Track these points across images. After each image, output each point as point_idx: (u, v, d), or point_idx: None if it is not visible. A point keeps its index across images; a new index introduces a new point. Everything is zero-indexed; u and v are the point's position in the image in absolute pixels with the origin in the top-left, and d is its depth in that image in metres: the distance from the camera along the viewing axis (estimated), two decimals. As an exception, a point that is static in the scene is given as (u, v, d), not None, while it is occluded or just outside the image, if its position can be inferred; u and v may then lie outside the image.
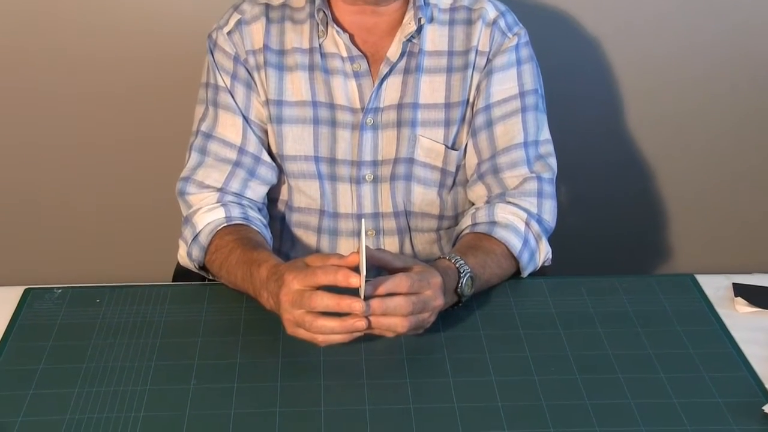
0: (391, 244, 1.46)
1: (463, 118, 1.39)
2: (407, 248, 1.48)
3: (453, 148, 1.40)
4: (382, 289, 1.07)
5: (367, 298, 1.06)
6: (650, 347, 1.16)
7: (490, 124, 1.37)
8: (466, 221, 1.36)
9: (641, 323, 1.21)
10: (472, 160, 1.41)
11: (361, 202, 1.42)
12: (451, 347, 1.16)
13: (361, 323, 1.06)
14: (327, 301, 1.05)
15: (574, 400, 1.07)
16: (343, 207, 1.43)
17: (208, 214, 1.32)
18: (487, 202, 1.37)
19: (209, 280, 1.34)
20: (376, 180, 1.41)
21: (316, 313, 1.06)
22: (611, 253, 2.16)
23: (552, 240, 1.37)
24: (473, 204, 1.43)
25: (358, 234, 1.44)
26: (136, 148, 2.01)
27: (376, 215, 1.44)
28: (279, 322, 1.16)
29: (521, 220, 1.33)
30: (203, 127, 1.38)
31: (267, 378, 1.10)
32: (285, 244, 1.49)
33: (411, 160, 1.40)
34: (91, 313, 1.22)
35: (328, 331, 1.06)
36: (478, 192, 1.40)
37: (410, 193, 1.42)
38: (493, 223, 1.32)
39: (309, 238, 1.47)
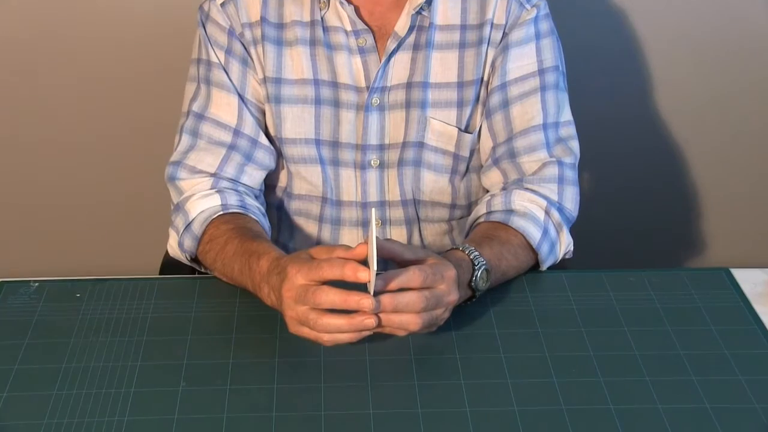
0: (398, 235, 1.46)
1: (477, 99, 1.38)
2: (416, 240, 1.48)
3: (466, 131, 1.39)
4: (394, 284, 1.06)
5: (376, 294, 1.05)
6: (681, 347, 1.16)
7: (506, 104, 1.37)
8: (480, 209, 1.35)
9: (671, 321, 1.20)
10: (486, 143, 1.40)
11: (365, 190, 1.42)
12: (462, 347, 1.15)
13: (371, 321, 1.05)
14: (333, 297, 1.05)
15: (597, 404, 1.06)
16: (346, 194, 1.43)
17: (201, 201, 1.31)
18: (504, 189, 1.36)
19: (200, 272, 1.34)
20: (382, 165, 1.41)
21: (321, 310, 1.06)
22: (638, 244, 2.16)
23: (574, 230, 1.37)
24: (488, 191, 1.43)
25: (363, 224, 1.44)
26: (119, 131, 2.02)
27: (382, 204, 1.43)
28: (275, 319, 1.16)
29: (540, 208, 1.32)
30: (195, 107, 1.38)
31: (262, 380, 1.09)
32: (283, 235, 1.49)
33: (421, 144, 1.39)
34: (71, 309, 1.22)
35: (334, 330, 1.06)
36: (493, 178, 1.39)
37: (419, 180, 1.42)
38: (510, 211, 1.31)
39: (309, 227, 1.46)
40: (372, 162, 1.41)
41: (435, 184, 1.43)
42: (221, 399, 1.06)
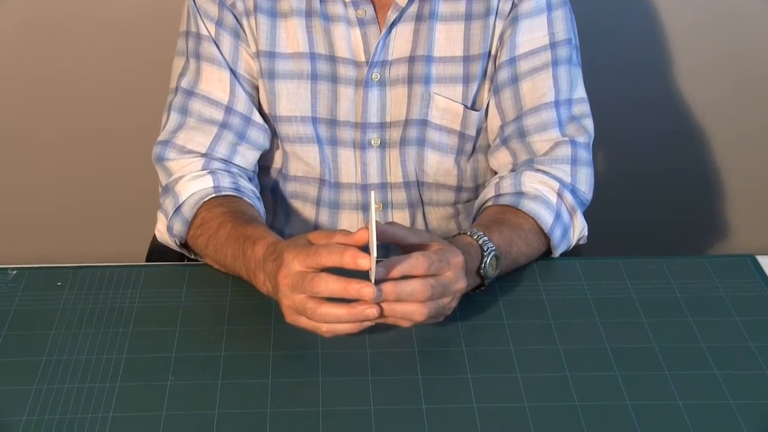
0: (401, 219, 1.46)
1: (484, 74, 1.38)
2: (420, 224, 1.48)
3: (473, 108, 1.39)
4: (397, 271, 1.06)
5: (378, 282, 1.05)
6: (703, 340, 1.16)
7: (515, 79, 1.36)
8: (488, 192, 1.35)
9: (692, 312, 1.20)
10: (494, 122, 1.40)
11: (366, 171, 1.42)
12: (470, 339, 1.15)
13: (372, 311, 1.05)
14: (332, 285, 1.04)
15: (612, 400, 1.07)
16: (345, 176, 1.43)
17: (193, 183, 1.31)
18: (513, 170, 1.36)
19: (190, 259, 1.34)
20: (383, 145, 1.41)
21: (319, 299, 1.06)
22: (657, 229, 2.16)
23: (588, 214, 1.37)
24: (496, 173, 1.42)
25: (363, 207, 1.44)
26: (101, 108, 2.01)
27: (383, 186, 1.43)
28: (270, 308, 1.16)
29: (552, 190, 1.32)
30: (184, 83, 1.38)
31: (256, 374, 1.09)
32: (279, 219, 1.49)
33: (424, 122, 1.39)
34: (52, 298, 1.22)
35: (333, 320, 1.05)
36: (501, 159, 1.39)
37: (423, 160, 1.41)
38: (520, 194, 1.31)
39: (306, 211, 1.47)
40: (372, 141, 1.41)
41: (440, 165, 1.43)
42: (212, 394, 1.06)
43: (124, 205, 2.09)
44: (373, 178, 1.43)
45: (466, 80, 1.38)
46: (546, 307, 1.21)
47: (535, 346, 1.14)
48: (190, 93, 1.37)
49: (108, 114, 2.02)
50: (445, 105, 1.39)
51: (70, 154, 2.06)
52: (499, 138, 1.40)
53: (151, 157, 1.38)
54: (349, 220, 1.45)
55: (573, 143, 1.36)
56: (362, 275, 1.05)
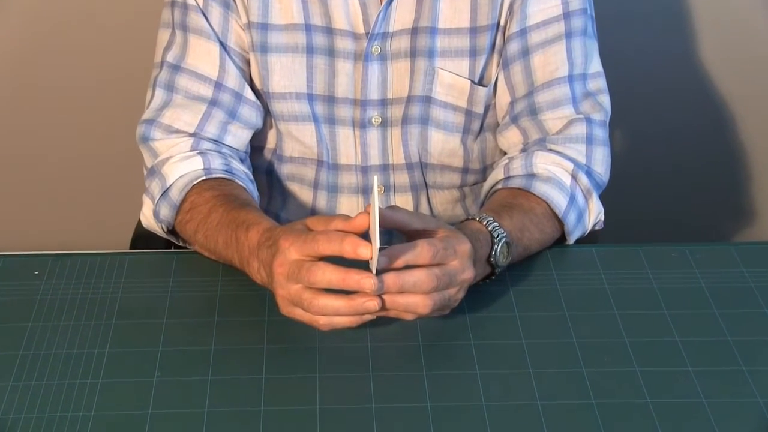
0: (403, 203, 1.47)
1: (492, 47, 1.38)
2: (424, 209, 1.49)
3: (481, 83, 1.39)
4: (400, 261, 1.05)
5: (380, 272, 1.05)
6: (729, 333, 1.16)
7: (525, 53, 1.36)
8: (498, 174, 1.35)
9: (718, 303, 1.20)
10: (503, 98, 1.40)
11: (366, 151, 1.42)
12: (478, 332, 1.15)
13: (373, 304, 1.05)
14: (330, 275, 1.04)
15: (632, 398, 1.07)
16: (344, 157, 1.43)
17: (181, 164, 1.31)
18: (524, 150, 1.36)
19: (178, 246, 1.34)
20: (384, 124, 1.41)
21: (316, 290, 1.06)
22: (680, 214, 2.16)
23: (605, 198, 1.36)
24: (505, 154, 1.42)
25: (363, 190, 1.44)
26: (82, 83, 2.01)
27: (384, 167, 1.43)
28: (264, 299, 1.17)
29: (566, 172, 1.32)
30: (169, 57, 1.37)
31: (249, 369, 1.10)
32: (274, 203, 1.49)
33: (428, 99, 1.39)
34: (29, 288, 1.22)
35: (331, 312, 1.05)
36: (511, 138, 1.39)
37: (427, 140, 1.41)
38: (532, 175, 1.31)
39: (303, 194, 1.47)
40: (373, 120, 1.40)
41: (445, 144, 1.43)
42: (202, 391, 1.07)
43: (107, 188, 2.09)
44: (374, 159, 1.43)
45: (473, 53, 1.38)
46: (560, 298, 1.21)
47: (548, 340, 1.14)
48: (176, 68, 1.37)
49: (87, 91, 2.02)
50: (451, 80, 1.38)
51: (48, 135, 2.06)
52: (508, 116, 1.39)
53: (135, 136, 1.37)
54: (348, 204, 1.45)
55: (588, 121, 1.35)
56: (363, 265, 1.05)
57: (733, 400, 1.06)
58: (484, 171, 1.48)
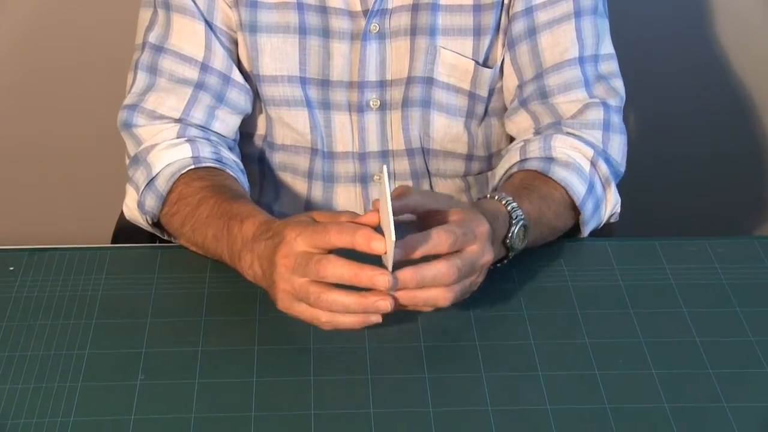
0: None
1: (497, 26, 1.37)
2: None
3: (486, 64, 1.38)
4: (417, 253, 1.05)
5: (395, 266, 1.04)
6: (752, 333, 1.16)
7: (532, 32, 1.37)
8: (513, 156, 1.35)
9: (740, 301, 1.20)
10: (510, 81, 1.40)
11: (364, 137, 1.42)
12: (483, 332, 1.15)
13: (386, 303, 1.04)
14: (342, 269, 1.04)
15: (648, 402, 1.07)
16: (340, 144, 1.43)
17: (168, 152, 1.31)
18: (538, 133, 1.35)
19: (162, 240, 1.34)
20: (383, 107, 1.41)
21: (325, 284, 1.05)
22: (699, 206, 2.16)
23: (620, 188, 1.36)
24: (512, 140, 1.43)
25: (361, 179, 1.44)
26: (58, 75, 2.01)
27: (383, 154, 1.43)
28: (254, 298, 1.17)
29: (586, 158, 1.32)
30: (152, 38, 1.37)
31: (239, 372, 1.10)
32: (266, 194, 1.49)
33: (429, 80, 1.39)
34: (3, 285, 1.22)
35: (340, 309, 1.05)
36: (521, 123, 1.39)
37: (428, 124, 1.42)
38: (550, 159, 1.31)
39: (297, 185, 1.47)
40: (371, 103, 1.40)
41: (447, 129, 1.43)
42: (188, 395, 1.07)
43: (86, 178, 2.09)
44: (373, 145, 1.43)
45: (477, 33, 1.38)
46: (571, 295, 1.21)
47: (558, 341, 1.15)
48: (159, 49, 1.37)
49: (61, 80, 2.02)
50: (453, 60, 1.38)
51: (23, 124, 2.06)
52: (517, 99, 1.39)
53: (117, 123, 1.37)
54: (345, 195, 1.45)
55: (605, 106, 1.36)
56: (374, 260, 1.04)
57: (756, 405, 1.06)
58: (490, 159, 1.48)
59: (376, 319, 1.06)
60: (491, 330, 1.16)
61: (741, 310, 1.19)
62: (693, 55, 2.04)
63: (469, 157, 1.46)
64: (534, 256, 1.26)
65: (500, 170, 1.37)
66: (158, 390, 1.07)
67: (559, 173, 1.29)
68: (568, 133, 1.34)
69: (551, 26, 1.36)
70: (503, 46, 1.39)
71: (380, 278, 1.02)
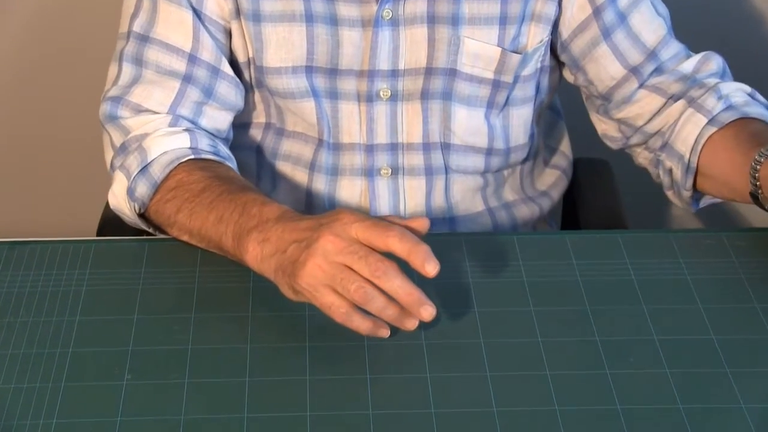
0: (415, 188, 1.47)
1: (524, 15, 1.38)
2: (439, 197, 1.48)
3: (515, 51, 1.38)
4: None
5: None
6: (772, 331, 1.16)
7: (623, 17, 1.41)
8: (696, 123, 1.36)
9: (760, 297, 1.20)
10: (612, 69, 1.42)
11: (372, 128, 1.42)
12: (488, 329, 1.15)
13: (413, 325, 1.08)
14: (400, 281, 1.05)
15: (661, 403, 1.07)
16: (347, 135, 1.43)
17: (166, 139, 1.31)
18: (672, 98, 1.40)
19: (148, 233, 1.34)
20: (394, 97, 1.41)
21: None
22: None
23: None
24: (529, 135, 1.46)
25: (368, 173, 1.44)
26: (40, 61, 2.01)
27: (393, 147, 1.43)
28: (247, 293, 1.18)
29: (746, 93, 1.39)
30: (136, 27, 1.37)
31: (231, 371, 1.10)
32: (262, 186, 1.49)
33: (452, 72, 1.40)
34: (-17, 280, 1.22)
35: (378, 308, 1.06)
36: (650, 103, 1.42)
37: (449, 117, 1.42)
38: (733, 106, 1.36)
39: (298, 176, 1.47)
40: (381, 93, 1.40)
41: (468, 121, 1.43)
42: (177, 396, 1.07)
43: (70, 167, 2.09)
44: (381, 137, 1.43)
45: (504, 21, 1.38)
46: (581, 291, 1.21)
47: (567, 338, 1.15)
48: (144, 38, 1.36)
49: (42, 65, 2.02)
50: (478, 49, 1.38)
51: (2, 111, 2.06)
52: (637, 82, 1.42)
53: (99, 114, 1.37)
54: (350, 189, 1.45)
55: (715, 56, 1.43)
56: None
57: (775, 406, 1.07)
58: (508, 154, 1.48)
59: (384, 333, 1.10)
60: (496, 327, 1.16)
61: (760, 306, 1.19)
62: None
63: (488, 151, 1.46)
64: (541, 248, 1.27)
65: (689, 139, 1.37)
66: (146, 390, 1.07)
67: (754, 110, 1.35)
68: (716, 83, 1.39)
69: (635, 6, 1.41)
70: (532, 33, 1.40)
71: (429, 309, 1.05)
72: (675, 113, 1.40)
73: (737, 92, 1.38)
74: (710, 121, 1.35)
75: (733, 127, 1.33)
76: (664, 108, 1.40)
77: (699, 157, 1.35)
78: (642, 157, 1.46)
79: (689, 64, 1.41)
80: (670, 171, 1.40)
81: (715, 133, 1.34)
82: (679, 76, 1.41)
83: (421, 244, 1.05)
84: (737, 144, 1.31)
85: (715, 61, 1.42)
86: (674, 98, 1.40)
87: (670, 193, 1.42)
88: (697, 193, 1.39)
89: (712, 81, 1.39)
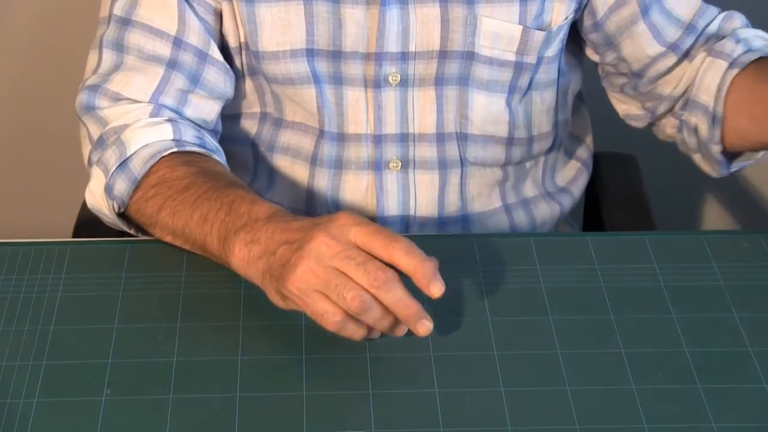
0: (427, 183, 1.47)
1: None
2: (453, 192, 1.49)
3: (538, 28, 1.39)
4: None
5: None
6: (815, 342, 1.16)
7: None
8: (717, 69, 1.39)
9: (800, 304, 1.21)
10: (648, 47, 1.44)
11: (380, 117, 1.42)
12: (502, 341, 1.16)
13: (401, 332, 1.09)
14: (402, 294, 1.05)
15: (694, 422, 1.07)
16: (352, 124, 1.43)
17: (147, 131, 1.31)
18: (709, 55, 1.42)
19: (130, 235, 1.34)
20: (404, 83, 1.41)
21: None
22: (750, 196, 2.15)
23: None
24: (553, 123, 1.48)
25: (375, 166, 1.45)
26: (14, 56, 2.01)
27: (403, 137, 1.44)
28: (238, 300, 1.18)
29: (765, 39, 1.42)
30: (117, 10, 1.38)
31: (219, 386, 1.10)
32: (258, 181, 1.49)
33: (469, 55, 1.40)
34: (-51, 286, 1.22)
35: (374, 318, 1.06)
36: (677, 72, 1.44)
37: (467, 104, 1.43)
38: (752, 49, 1.38)
39: (297, 171, 1.47)
40: (390, 78, 1.40)
41: (488, 108, 1.43)
42: (162, 411, 1.07)
43: (45, 164, 2.09)
44: (390, 126, 1.43)
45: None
46: (604, 298, 1.21)
47: (588, 350, 1.15)
48: (126, 21, 1.36)
49: (15, 61, 2.03)
50: (497, 28, 1.38)
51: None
52: (675, 57, 1.44)
53: (76, 105, 1.37)
54: (355, 184, 1.45)
55: (731, 13, 1.46)
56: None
57: (819, 425, 1.07)
58: (531, 144, 1.48)
59: (375, 335, 1.10)
60: (511, 338, 1.16)
61: (801, 315, 1.19)
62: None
63: (509, 141, 1.46)
64: (561, 250, 1.27)
65: (712, 87, 1.39)
66: (126, 406, 1.07)
67: None
68: (730, 32, 1.43)
69: None
70: (556, 10, 1.41)
71: (426, 324, 1.06)
72: (695, 67, 1.42)
73: (756, 38, 1.41)
74: (731, 65, 1.38)
75: (755, 67, 1.36)
76: (689, 69, 1.43)
77: (725, 104, 1.37)
78: (669, 126, 1.48)
79: (714, 25, 1.44)
80: (696, 129, 1.41)
81: (737, 76, 1.37)
82: (706, 38, 1.43)
83: (428, 261, 1.05)
84: (764, 82, 1.35)
85: (739, 18, 1.45)
86: (709, 55, 1.43)
87: (697, 157, 1.44)
88: (726, 155, 1.40)
89: (723, 34, 1.43)
